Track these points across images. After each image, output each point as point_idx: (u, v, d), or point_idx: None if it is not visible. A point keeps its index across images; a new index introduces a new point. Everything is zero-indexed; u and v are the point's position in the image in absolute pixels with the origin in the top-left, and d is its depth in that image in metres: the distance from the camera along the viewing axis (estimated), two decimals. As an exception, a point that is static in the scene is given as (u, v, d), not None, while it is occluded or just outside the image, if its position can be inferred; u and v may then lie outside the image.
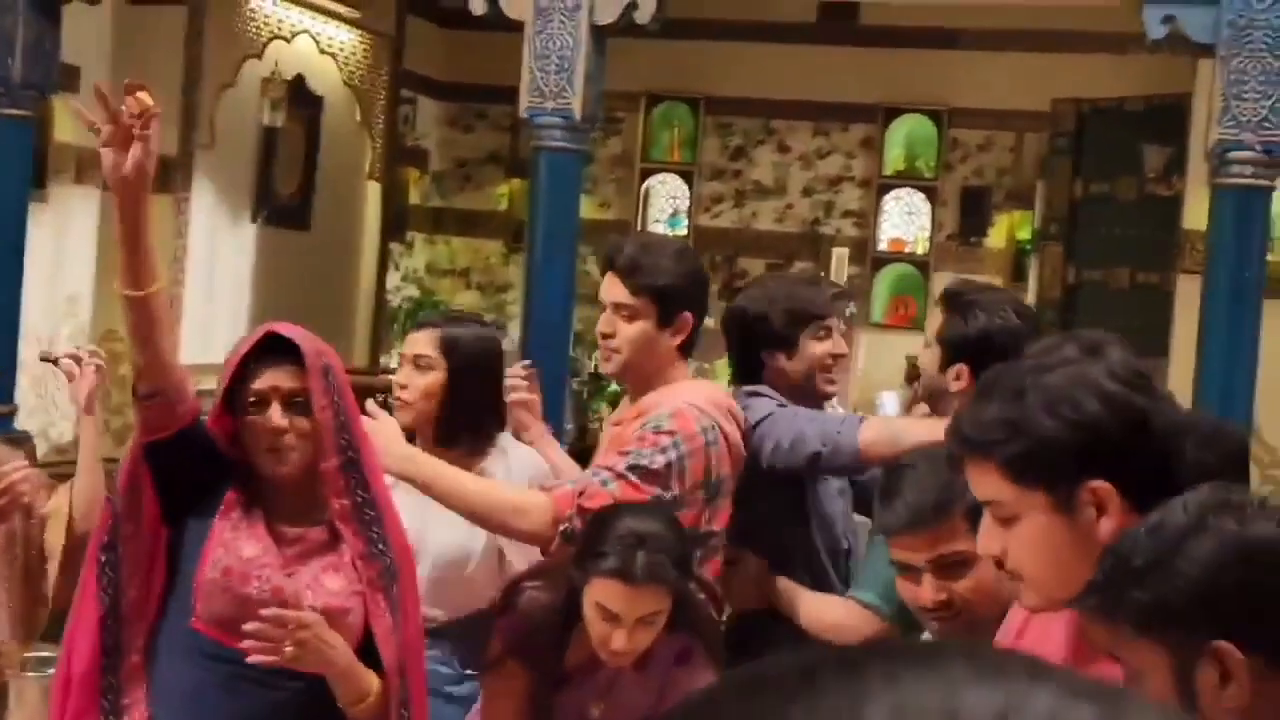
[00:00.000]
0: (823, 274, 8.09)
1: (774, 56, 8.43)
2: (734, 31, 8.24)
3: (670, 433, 2.64)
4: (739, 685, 0.52)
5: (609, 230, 8.27)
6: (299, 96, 7.73)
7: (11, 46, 5.11)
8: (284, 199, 7.80)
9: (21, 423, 5.49)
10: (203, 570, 2.32)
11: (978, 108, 8.30)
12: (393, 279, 9.02)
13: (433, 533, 2.93)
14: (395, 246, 9.04)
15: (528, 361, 3.27)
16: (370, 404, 2.68)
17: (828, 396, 3.11)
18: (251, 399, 2.32)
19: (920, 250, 8.62)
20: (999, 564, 1.73)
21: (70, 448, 5.56)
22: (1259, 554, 1.39)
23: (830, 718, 0.48)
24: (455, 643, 2.96)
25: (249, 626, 2.22)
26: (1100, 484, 1.64)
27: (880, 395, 6.69)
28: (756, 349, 3.00)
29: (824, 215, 8.79)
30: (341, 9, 7.92)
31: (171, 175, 6.83)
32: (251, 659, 2.23)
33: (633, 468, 2.61)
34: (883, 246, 8.67)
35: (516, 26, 4.73)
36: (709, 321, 3.03)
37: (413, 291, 9.23)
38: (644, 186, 9.03)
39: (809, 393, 3.00)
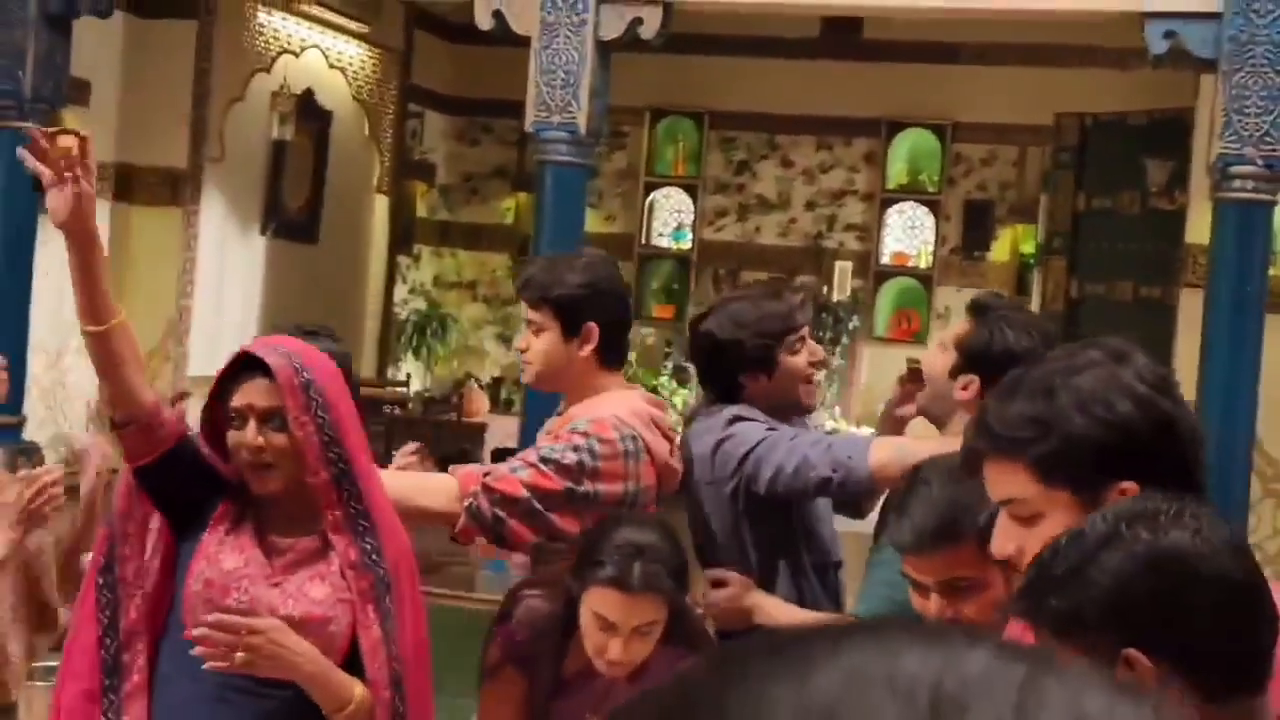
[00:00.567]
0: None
1: (778, 71, 8.46)
2: (738, 46, 8.27)
3: (584, 434, 2.69)
4: (709, 661, 0.57)
5: (614, 244, 8.32)
6: (308, 110, 7.78)
7: (22, 60, 5.15)
8: (292, 212, 7.85)
9: (30, 434, 5.53)
10: (188, 584, 2.35)
11: (981, 122, 8.33)
12: (400, 292, 9.06)
13: None
14: (403, 259, 9.08)
15: (418, 444, 3.20)
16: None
17: (809, 410, 3.08)
18: (231, 416, 2.34)
19: (923, 264, 8.64)
20: (1012, 566, 1.73)
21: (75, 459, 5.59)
22: (1168, 563, 1.40)
23: (782, 684, 0.52)
24: None
25: (196, 632, 2.24)
26: (1129, 485, 1.65)
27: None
28: (733, 373, 2.96)
29: (827, 229, 8.81)
30: (350, 24, 7.97)
31: (181, 188, 6.85)
32: (207, 666, 2.24)
33: (544, 459, 2.67)
34: (886, 260, 8.69)
35: (523, 41, 4.78)
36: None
37: (420, 304, 9.27)
38: (648, 200, 9.07)
39: (791, 408, 2.98)
